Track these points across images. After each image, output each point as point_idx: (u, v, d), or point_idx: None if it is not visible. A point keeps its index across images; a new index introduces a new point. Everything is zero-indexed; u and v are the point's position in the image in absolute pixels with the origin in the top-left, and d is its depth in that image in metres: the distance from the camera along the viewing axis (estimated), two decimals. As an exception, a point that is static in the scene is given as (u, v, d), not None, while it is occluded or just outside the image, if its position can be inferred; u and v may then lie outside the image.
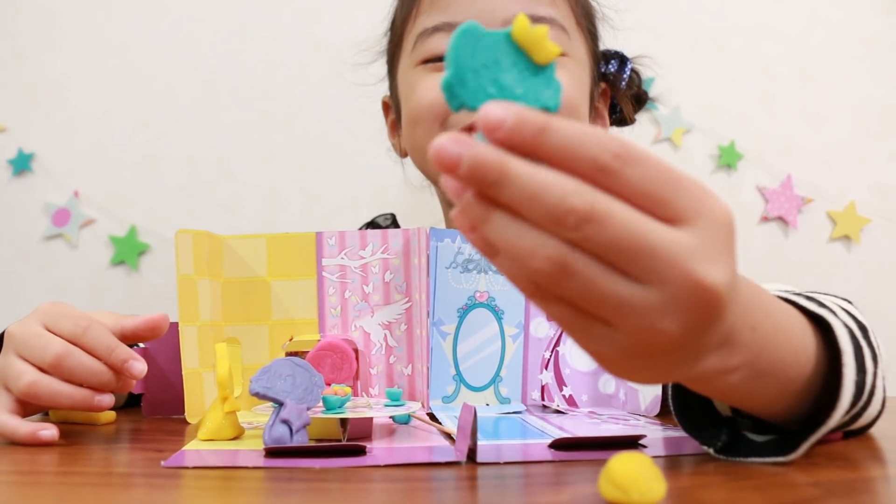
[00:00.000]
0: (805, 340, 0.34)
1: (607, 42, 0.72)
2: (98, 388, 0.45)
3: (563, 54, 0.63)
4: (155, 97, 1.05)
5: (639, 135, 1.05)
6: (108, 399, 0.45)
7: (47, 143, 1.04)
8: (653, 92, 1.03)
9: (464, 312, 0.57)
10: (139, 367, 0.45)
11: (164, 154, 1.04)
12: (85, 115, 1.04)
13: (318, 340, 0.56)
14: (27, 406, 0.46)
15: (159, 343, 0.56)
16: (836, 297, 0.43)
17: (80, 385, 0.45)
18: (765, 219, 1.02)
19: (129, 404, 0.63)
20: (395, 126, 0.75)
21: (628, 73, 0.72)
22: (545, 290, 0.27)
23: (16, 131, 1.04)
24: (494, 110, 0.26)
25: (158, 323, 0.48)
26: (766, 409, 0.35)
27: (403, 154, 0.75)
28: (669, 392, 0.39)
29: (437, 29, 0.64)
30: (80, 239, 1.04)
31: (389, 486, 0.33)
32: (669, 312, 0.26)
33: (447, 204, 0.72)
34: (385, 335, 0.58)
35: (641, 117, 1.04)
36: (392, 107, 0.75)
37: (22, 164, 1.04)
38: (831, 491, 0.32)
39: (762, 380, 0.32)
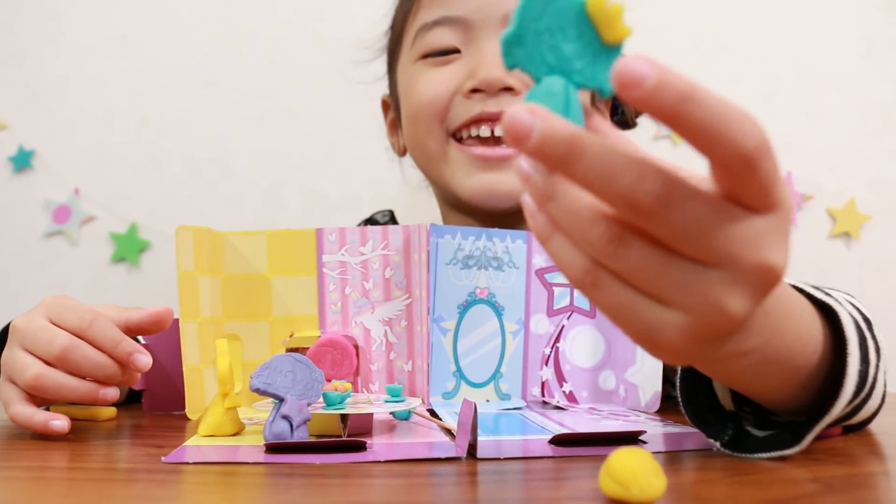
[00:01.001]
0: (813, 329, 0.34)
1: None
2: (103, 381, 0.46)
3: None
4: (156, 94, 1.04)
5: (638, 133, 1.05)
6: (112, 392, 0.46)
7: (48, 140, 1.04)
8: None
9: (464, 309, 0.57)
10: (144, 360, 0.45)
11: (165, 151, 1.04)
12: (85, 112, 1.04)
13: (319, 337, 0.56)
14: (33, 399, 0.46)
15: (160, 339, 0.56)
16: (839, 291, 0.43)
17: (86, 378, 0.46)
18: (765, 216, 1.02)
19: (130, 400, 0.63)
20: (394, 125, 0.75)
21: None
22: (599, 273, 0.26)
23: (17, 128, 1.04)
24: (520, 116, 0.24)
25: (163, 316, 0.48)
26: (771, 396, 0.35)
27: (402, 152, 0.74)
28: (677, 385, 0.39)
29: (437, 23, 0.63)
30: (81, 236, 1.04)
31: (390, 482, 0.33)
32: (738, 292, 0.25)
33: (445, 202, 0.72)
34: (385, 331, 0.58)
35: (641, 117, 1.05)
36: (391, 105, 0.75)
37: (23, 161, 1.04)
38: (831, 486, 0.32)
39: (770, 366, 0.32)
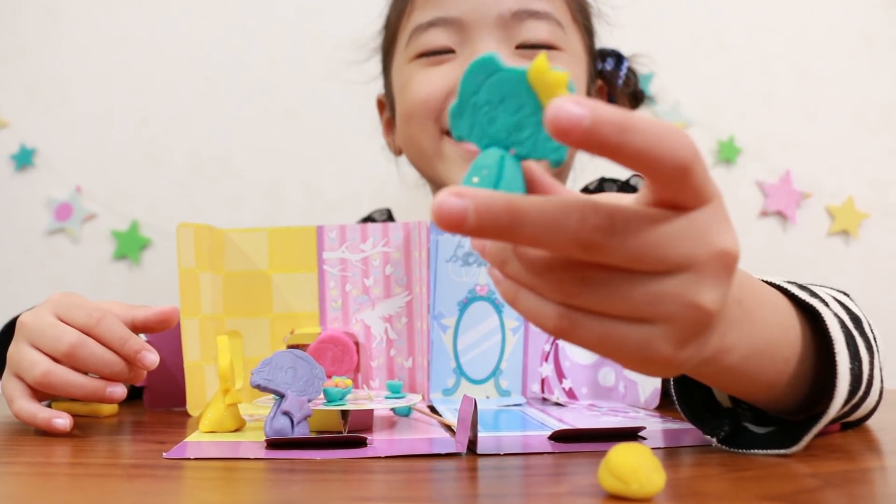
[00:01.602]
0: (790, 316, 0.35)
1: (604, 39, 0.72)
2: (110, 379, 0.46)
3: (554, 47, 0.63)
4: (156, 92, 1.05)
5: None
6: (120, 390, 0.46)
7: (49, 138, 1.04)
8: (652, 88, 1.03)
9: (464, 306, 0.57)
10: (151, 357, 0.46)
11: (166, 149, 1.04)
12: (87, 110, 1.04)
13: (319, 333, 0.56)
14: (38, 395, 0.46)
15: (161, 336, 0.56)
16: (832, 288, 0.43)
17: (93, 375, 0.46)
18: (764, 213, 1.02)
19: (131, 397, 0.63)
20: (389, 124, 0.75)
21: (625, 70, 0.71)
22: (573, 315, 0.27)
23: (18, 126, 1.04)
24: (449, 202, 0.23)
25: (169, 315, 0.48)
26: (767, 393, 0.35)
27: (398, 152, 0.74)
28: (671, 383, 0.39)
29: (431, 24, 0.63)
30: (83, 234, 1.04)
31: (390, 478, 0.33)
32: (707, 285, 0.26)
33: None
34: (386, 328, 0.58)
35: (641, 112, 1.05)
36: (386, 104, 0.75)
37: (24, 159, 1.04)
38: (830, 482, 0.32)
39: (758, 359, 0.32)
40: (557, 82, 0.24)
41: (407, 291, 0.58)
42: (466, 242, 0.57)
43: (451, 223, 0.23)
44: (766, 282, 0.36)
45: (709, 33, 1.04)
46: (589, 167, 0.78)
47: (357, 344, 0.57)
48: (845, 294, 0.44)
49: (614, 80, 0.71)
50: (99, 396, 0.45)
